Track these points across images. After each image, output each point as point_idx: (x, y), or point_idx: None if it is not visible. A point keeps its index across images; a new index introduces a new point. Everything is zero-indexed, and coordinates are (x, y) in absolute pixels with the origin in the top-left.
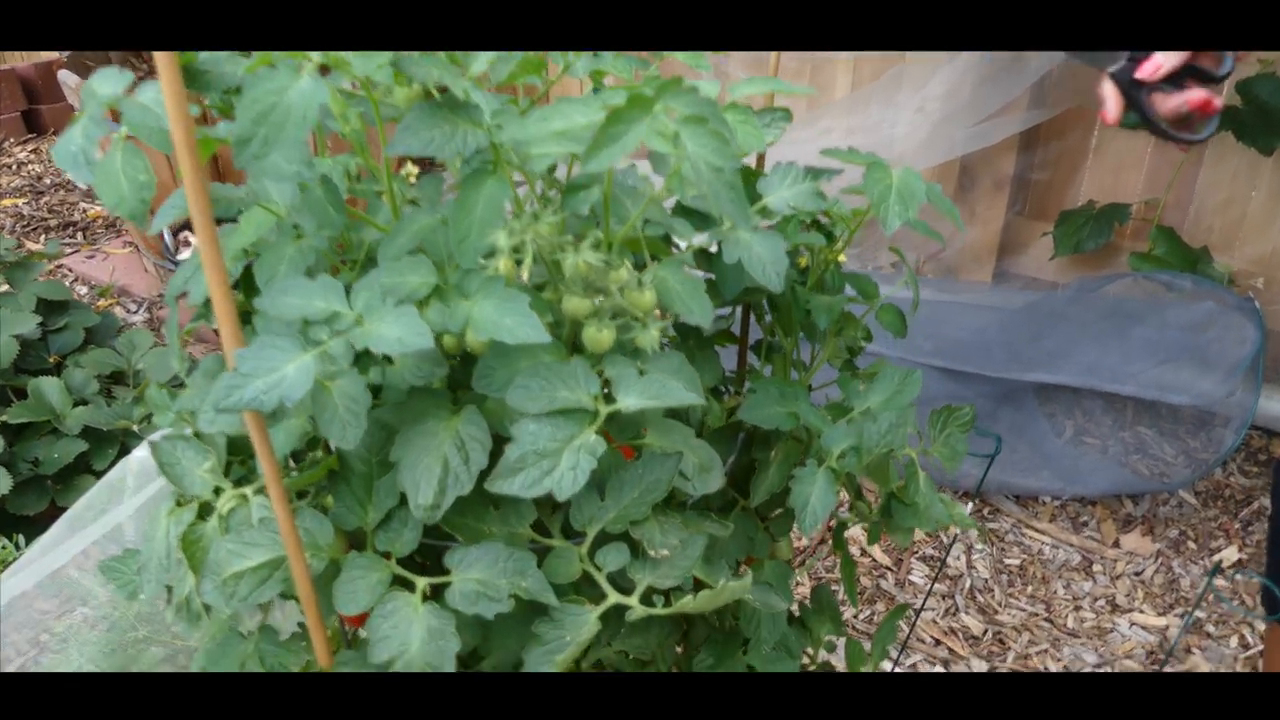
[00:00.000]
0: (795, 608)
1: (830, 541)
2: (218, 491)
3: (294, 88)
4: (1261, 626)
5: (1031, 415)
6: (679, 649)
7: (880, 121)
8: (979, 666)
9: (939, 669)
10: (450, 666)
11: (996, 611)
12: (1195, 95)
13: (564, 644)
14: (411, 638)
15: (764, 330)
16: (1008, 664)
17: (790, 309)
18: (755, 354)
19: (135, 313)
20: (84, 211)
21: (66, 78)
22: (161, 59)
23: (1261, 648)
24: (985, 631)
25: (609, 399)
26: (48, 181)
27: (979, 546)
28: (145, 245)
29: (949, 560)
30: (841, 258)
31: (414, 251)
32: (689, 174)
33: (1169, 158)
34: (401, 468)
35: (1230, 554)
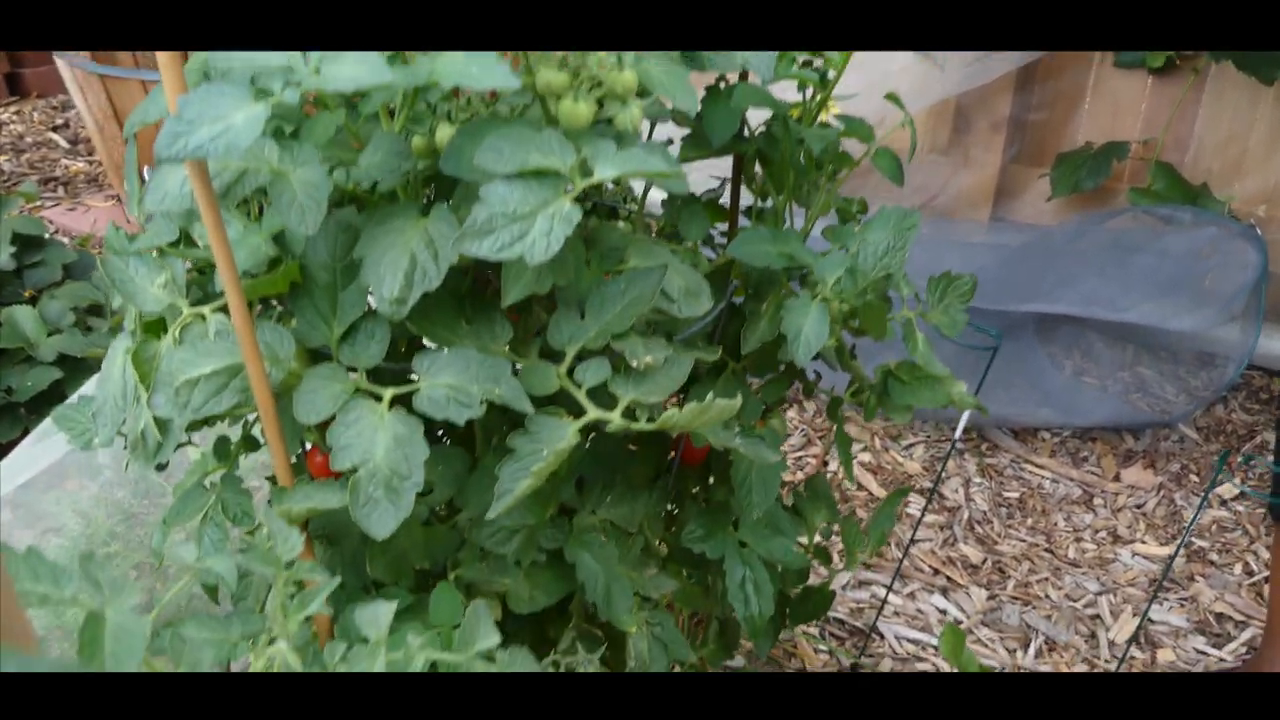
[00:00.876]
0: (789, 501)
1: (824, 467)
2: (174, 311)
3: None
4: (1264, 554)
5: (1031, 349)
6: (670, 530)
7: (875, 57)
8: (979, 594)
9: (937, 597)
10: (418, 474)
11: (996, 542)
12: None
13: (540, 456)
14: (376, 445)
15: (754, 193)
16: (1008, 591)
17: (783, 161)
18: (748, 216)
19: None
20: (65, 168)
21: None
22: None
23: (1265, 574)
24: (985, 560)
25: (585, 171)
26: (29, 140)
27: (977, 480)
28: (128, 197)
29: (947, 493)
30: (834, 106)
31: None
32: None
33: (1168, 97)
34: (367, 262)
35: (1232, 488)
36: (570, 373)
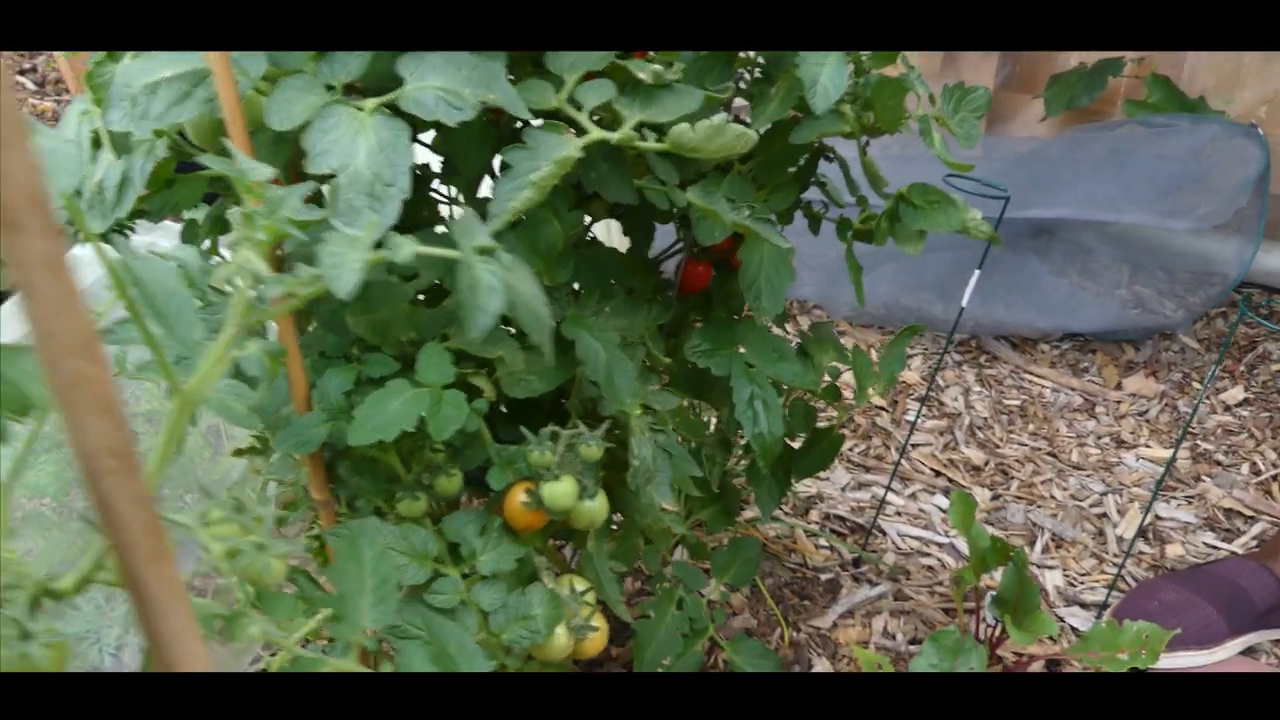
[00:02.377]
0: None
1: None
2: None
3: None
4: (1271, 455)
5: (1027, 260)
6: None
7: None
8: (982, 495)
9: (939, 497)
10: (403, 181)
11: (998, 446)
12: None
13: (537, 166)
14: (358, 149)
15: None
16: (1012, 492)
17: None
18: None
19: None
20: (34, 108)
21: None
22: None
23: (1274, 472)
24: (987, 463)
25: None
26: None
27: (977, 389)
28: None
29: (946, 401)
30: None
31: None
32: None
33: None
34: None
35: (1236, 393)
36: (572, 99)
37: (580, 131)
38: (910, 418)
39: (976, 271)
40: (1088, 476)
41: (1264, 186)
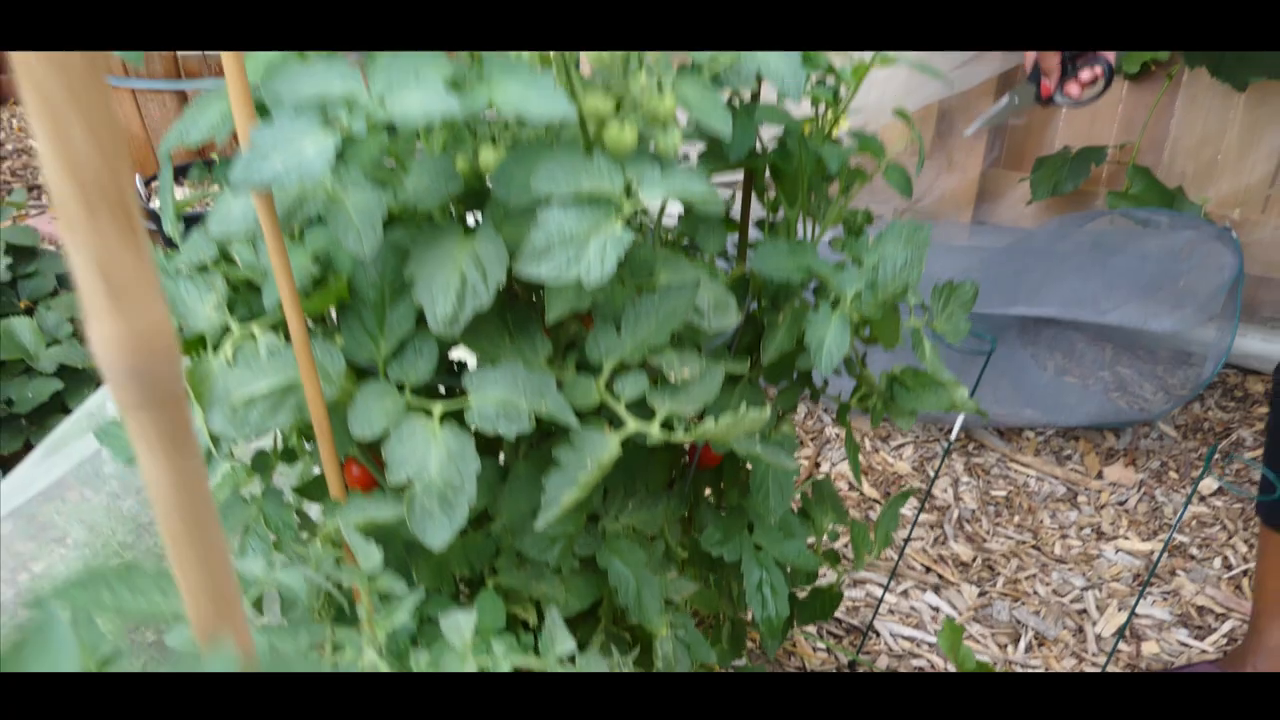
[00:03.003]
0: (798, 502)
1: (814, 472)
2: (224, 331)
3: None
4: (1243, 548)
5: (1015, 350)
6: (685, 534)
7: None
8: (970, 591)
9: (930, 594)
10: (471, 487)
11: (985, 540)
12: (1086, 75)
13: (584, 467)
14: (430, 459)
15: (766, 207)
16: (998, 589)
17: (797, 175)
18: (760, 229)
19: None
20: None
21: None
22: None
23: (1244, 567)
24: (975, 558)
25: (631, 194)
26: (10, 148)
27: (965, 479)
28: (164, 214)
29: (936, 493)
30: (845, 122)
31: None
32: None
33: (1144, 102)
34: (418, 283)
35: (1210, 483)
36: (609, 386)
37: (616, 422)
38: (903, 510)
39: (960, 417)
40: (1069, 570)
41: (1237, 290)
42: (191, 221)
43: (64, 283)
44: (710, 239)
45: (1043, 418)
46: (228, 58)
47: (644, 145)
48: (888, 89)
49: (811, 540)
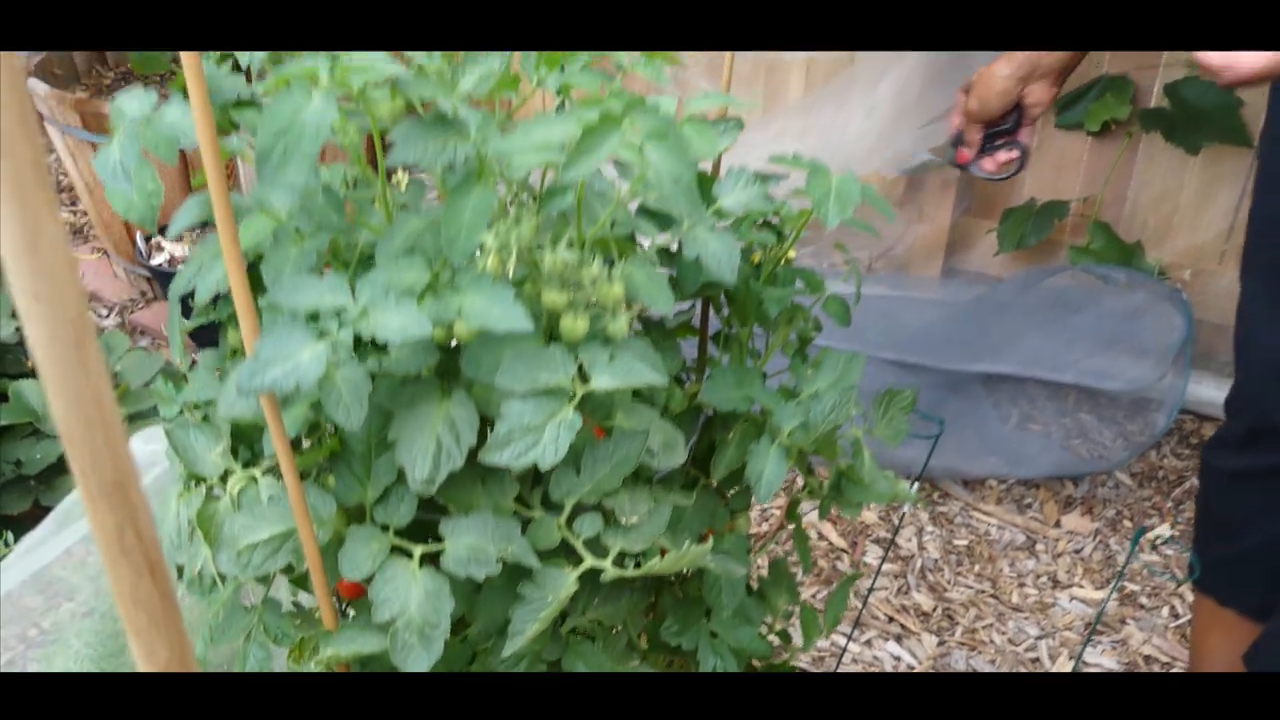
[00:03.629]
0: (755, 582)
1: (785, 526)
2: (227, 474)
3: (308, 107)
4: (1190, 598)
5: (978, 404)
6: (648, 617)
7: (832, 124)
8: (929, 641)
9: (892, 644)
10: (446, 625)
11: (946, 589)
12: (1003, 156)
13: (546, 602)
14: (410, 599)
15: (722, 322)
16: (956, 638)
17: (745, 301)
18: (714, 343)
19: (106, 318)
20: None
21: (35, 86)
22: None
23: (1189, 617)
24: (935, 608)
25: (584, 380)
26: None
27: (930, 529)
28: (116, 251)
29: (901, 541)
30: (791, 254)
31: (408, 251)
32: (653, 181)
33: (1105, 157)
34: (399, 446)
35: (1163, 530)
36: (569, 522)
37: (575, 556)
38: (868, 560)
39: (914, 489)
40: (1025, 619)
41: (1186, 350)
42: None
43: None
44: (668, 359)
45: (1005, 469)
46: (222, 225)
47: (597, 328)
48: (857, 150)
49: (769, 619)
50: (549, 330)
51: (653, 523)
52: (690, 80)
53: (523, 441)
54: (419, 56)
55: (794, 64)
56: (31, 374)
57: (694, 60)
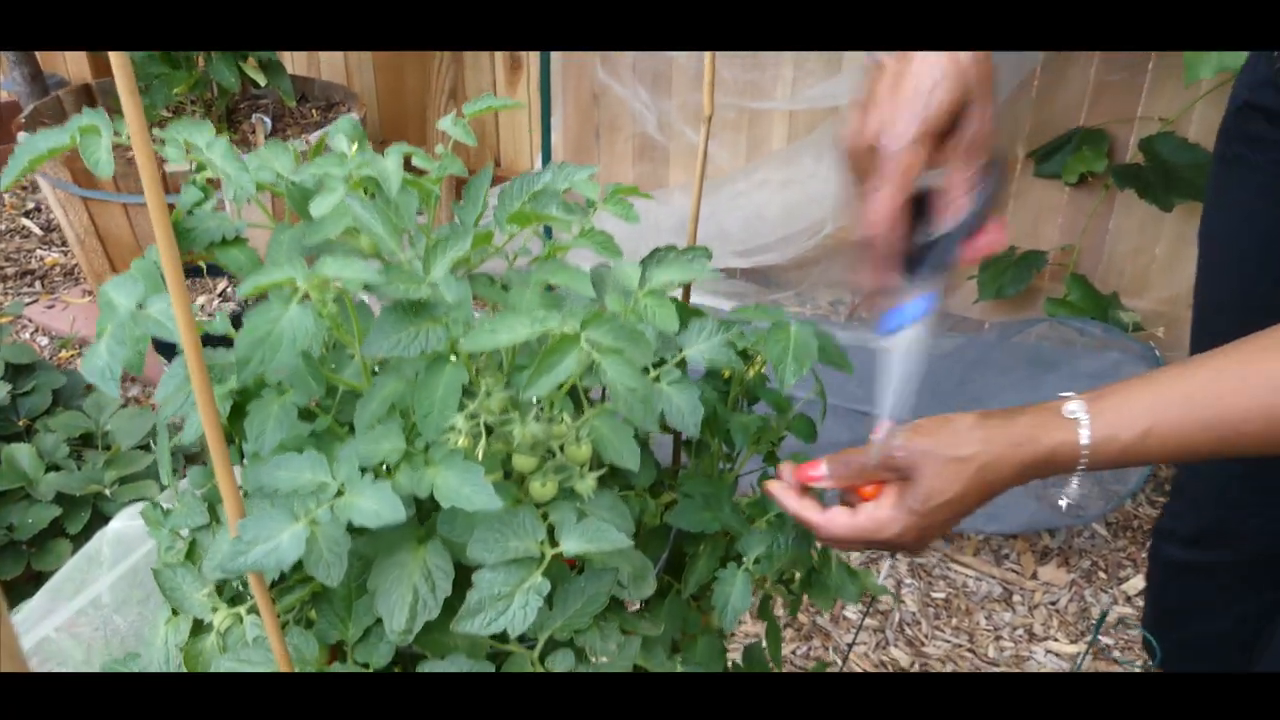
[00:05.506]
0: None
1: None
2: (214, 609)
3: (285, 316)
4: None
5: None
6: None
7: (813, 174)
8: None
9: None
10: None
11: (924, 644)
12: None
13: None
14: None
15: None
16: None
17: (714, 424)
18: (687, 450)
19: None
20: (41, 259)
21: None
22: (163, 245)
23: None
24: (913, 663)
25: (553, 543)
26: (2, 228)
27: (908, 580)
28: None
29: (879, 596)
30: (759, 368)
31: (387, 414)
32: (610, 389)
33: (1082, 207)
34: (377, 596)
35: (1136, 583)
36: (542, 658)
37: None
38: (848, 614)
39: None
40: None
41: None
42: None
43: (60, 398)
44: (644, 474)
45: (983, 525)
46: (203, 408)
47: (565, 483)
48: (838, 202)
49: None
50: (520, 482)
51: (623, 656)
52: (674, 126)
53: (493, 609)
54: (390, 253)
55: (777, 113)
56: (22, 435)
57: (681, 107)
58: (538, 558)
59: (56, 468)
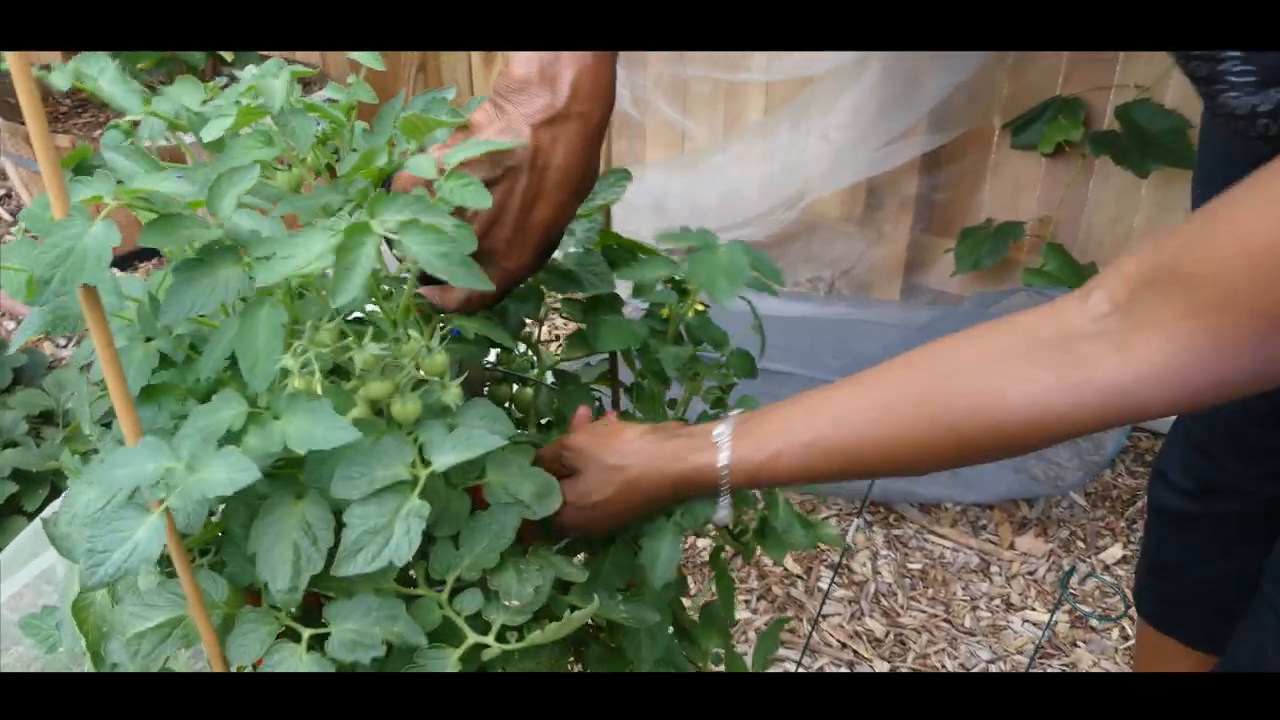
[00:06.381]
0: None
1: (733, 557)
2: None
3: (89, 232)
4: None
5: None
6: (576, 666)
7: (791, 146)
8: (881, 667)
9: (844, 671)
10: None
11: (899, 614)
12: None
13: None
14: None
15: (635, 374)
16: (908, 664)
17: (650, 358)
18: (629, 394)
19: (65, 347)
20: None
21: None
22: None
23: None
24: (888, 634)
25: (425, 462)
26: None
27: (884, 552)
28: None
29: (855, 566)
30: (697, 307)
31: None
32: (426, 266)
33: (1059, 178)
34: (258, 558)
35: (1115, 551)
36: (452, 598)
37: (460, 636)
38: (824, 585)
39: (861, 517)
40: (977, 643)
41: None
42: None
43: (21, 376)
44: (573, 407)
45: (959, 492)
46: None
47: (430, 409)
48: (814, 172)
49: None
50: (386, 413)
51: (536, 601)
52: (650, 102)
53: (374, 544)
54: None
55: (753, 85)
56: None
57: (656, 81)
58: (410, 480)
59: (15, 445)
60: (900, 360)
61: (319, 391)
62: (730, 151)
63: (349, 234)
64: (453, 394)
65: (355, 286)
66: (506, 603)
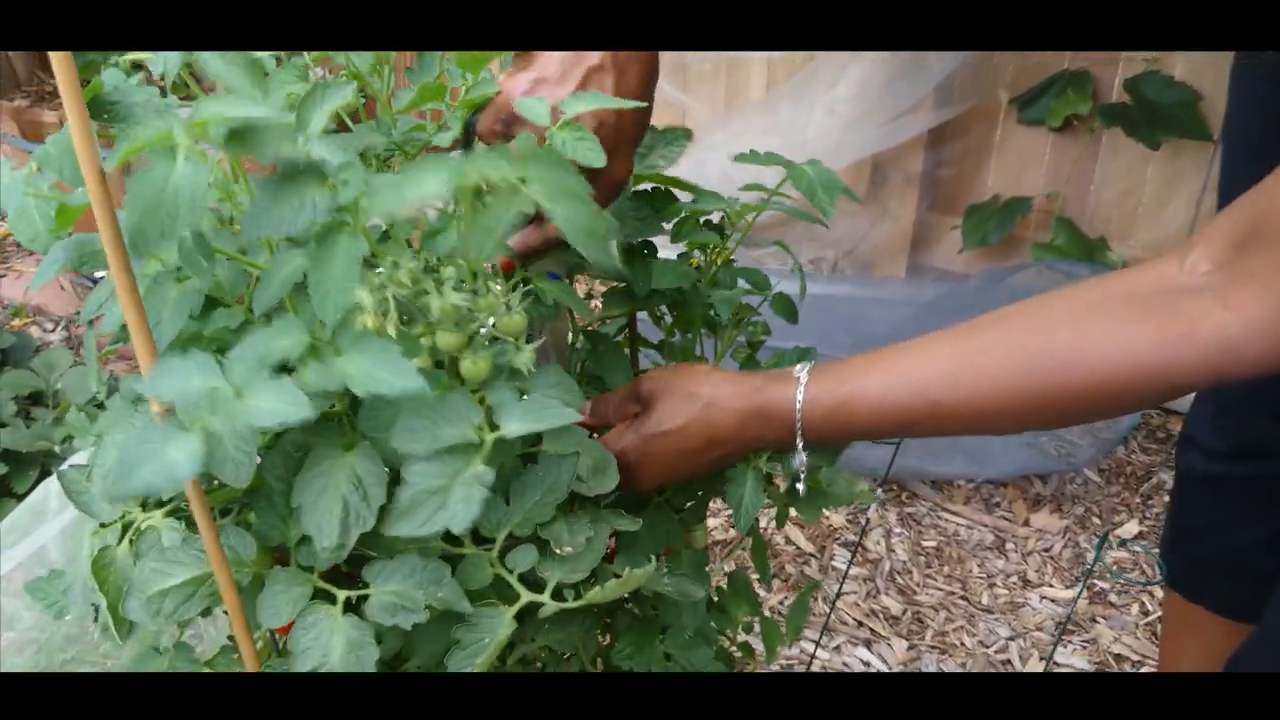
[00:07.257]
0: (714, 594)
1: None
2: (125, 517)
3: (175, 173)
4: (1160, 594)
5: None
6: (605, 640)
7: (793, 122)
8: (899, 645)
9: (861, 649)
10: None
11: (915, 592)
12: None
13: (483, 645)
14: (332, 649)
15: (664, 331)
16: (926, 641)
17: (692, 306)
18: (660, 352)
19: (53, 331)
20: None
21: None
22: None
23: (1160, 614)
24: (905, 611)
25: (493, 426)
26: None
27: (898, 530)
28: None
29: (869, 544)
30: (729, 255)
31: (286, 304)
32: (566, 233)
33: (1067, 153)
34: (303, 512)
35: (1131, 527)
36: (502, 557)
37: (513, 596)
38: (836, 564)
39: (880, 491)
40: (996, 620)
41: None
42: None
43: (9, 357)
44: (614, 371)
45: (973, 469)
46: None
47: (501, 363)
48: (819, 148)
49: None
50: (452, 369)
51: (591, 550)
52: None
53: (429, 505)
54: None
55: (755, 62)
56: None
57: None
58: (476, 443)
59: (4, 425)
60: (994, 315)
61: (391, 333)
62: (731, 128)
63: (495, 193)
64: (526, 357)
65: (492, 246)
66: (559, 550)
